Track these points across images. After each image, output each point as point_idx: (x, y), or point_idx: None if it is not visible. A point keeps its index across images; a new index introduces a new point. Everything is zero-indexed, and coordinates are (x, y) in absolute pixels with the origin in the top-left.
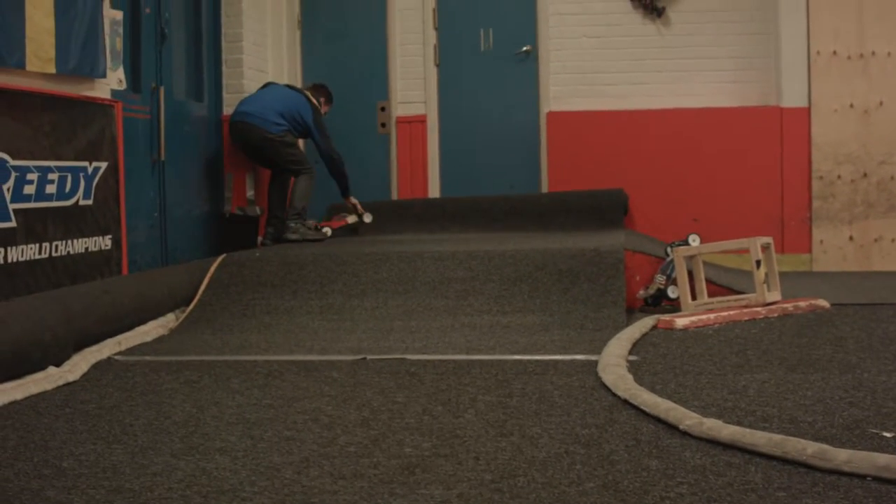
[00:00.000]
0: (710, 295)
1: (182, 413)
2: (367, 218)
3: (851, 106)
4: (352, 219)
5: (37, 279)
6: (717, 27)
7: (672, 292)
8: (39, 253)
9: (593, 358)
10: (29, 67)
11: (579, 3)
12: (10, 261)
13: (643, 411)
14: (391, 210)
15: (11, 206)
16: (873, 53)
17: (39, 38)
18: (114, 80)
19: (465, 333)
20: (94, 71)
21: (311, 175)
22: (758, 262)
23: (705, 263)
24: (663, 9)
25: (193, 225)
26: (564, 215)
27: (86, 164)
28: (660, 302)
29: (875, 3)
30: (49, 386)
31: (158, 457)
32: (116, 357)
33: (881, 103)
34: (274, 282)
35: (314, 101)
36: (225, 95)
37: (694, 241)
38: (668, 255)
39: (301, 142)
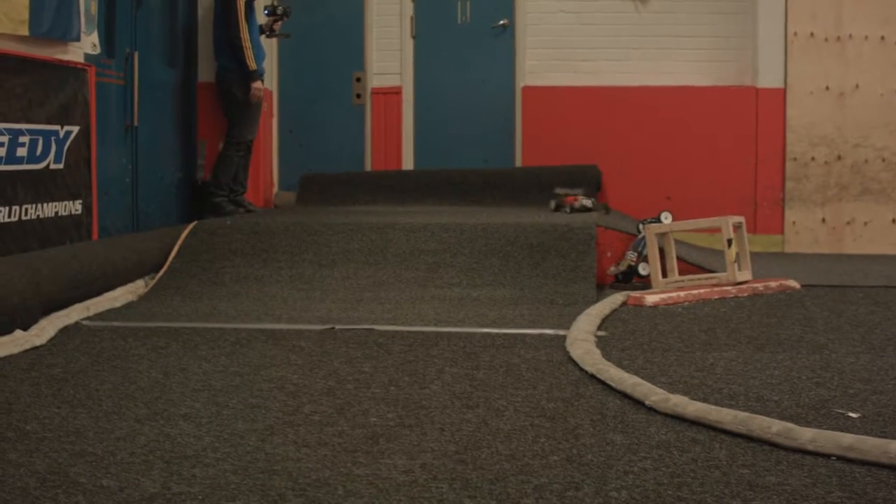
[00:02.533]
0: (681, 273)
1: (148, 379)
2: None
3: (827, 88)
4: None
5: (5, 243)
6: (695, 5)
7: (643, 269)
8: (9, 216)
9: (562, 332)
10: (1, 29)
11: None
12: None
13: (610, 386)
14: (364, 181)
15: None
16: (850, 36)
17: None
18: (88, 44)
19: (434, 305)
20: (67, 34)
21: (234, 153)
22: (729, 241)
23: (676, 241)
24: None
25: (165, 191)
26: (538, 190)
27: (57, 127)
28: (631, 278)
29: None
30: (15, 349)
31: (122, 422)
32: (84, 322)
33: (857, 86)
34: (245, 250)
35: None
36: (200, 62)
37: (666, 218)
38: (640, 232)
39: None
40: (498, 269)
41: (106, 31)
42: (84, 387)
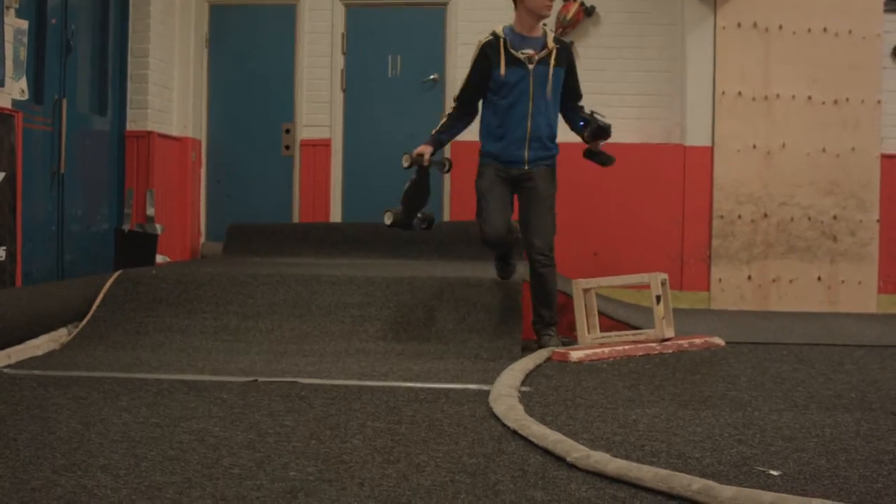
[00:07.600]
0: (605, 329)
1: (67, 429)
2: None
3: (754, 147)
4: None
5: None
6: (624, 63)
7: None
8: None
9: (486, 388)
10: None
11: (487, 33)
12: None
13: (532, 442)
14: (291, 233)
15: None
16: (778, 96)
17: None
18: (16, 90)
19: (358, 359)
20: None
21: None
22: (658, 298)
23: (602, 297)
24: (571, 43)
25: (91, 240)
26: (465, 244)
27: None
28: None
29: (781, 46)
30: None
31: (39, 472)
32: (5, 370)
33: (784, 145)
34: (169, 300)
35: None
36: (129, 111)
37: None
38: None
39: None
40: (423, 323)
41: (35, 78)
42: (2, 436)
